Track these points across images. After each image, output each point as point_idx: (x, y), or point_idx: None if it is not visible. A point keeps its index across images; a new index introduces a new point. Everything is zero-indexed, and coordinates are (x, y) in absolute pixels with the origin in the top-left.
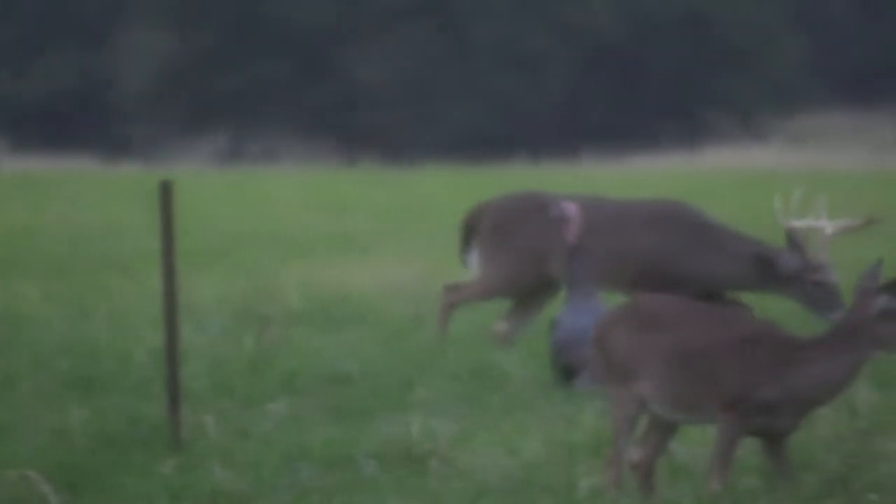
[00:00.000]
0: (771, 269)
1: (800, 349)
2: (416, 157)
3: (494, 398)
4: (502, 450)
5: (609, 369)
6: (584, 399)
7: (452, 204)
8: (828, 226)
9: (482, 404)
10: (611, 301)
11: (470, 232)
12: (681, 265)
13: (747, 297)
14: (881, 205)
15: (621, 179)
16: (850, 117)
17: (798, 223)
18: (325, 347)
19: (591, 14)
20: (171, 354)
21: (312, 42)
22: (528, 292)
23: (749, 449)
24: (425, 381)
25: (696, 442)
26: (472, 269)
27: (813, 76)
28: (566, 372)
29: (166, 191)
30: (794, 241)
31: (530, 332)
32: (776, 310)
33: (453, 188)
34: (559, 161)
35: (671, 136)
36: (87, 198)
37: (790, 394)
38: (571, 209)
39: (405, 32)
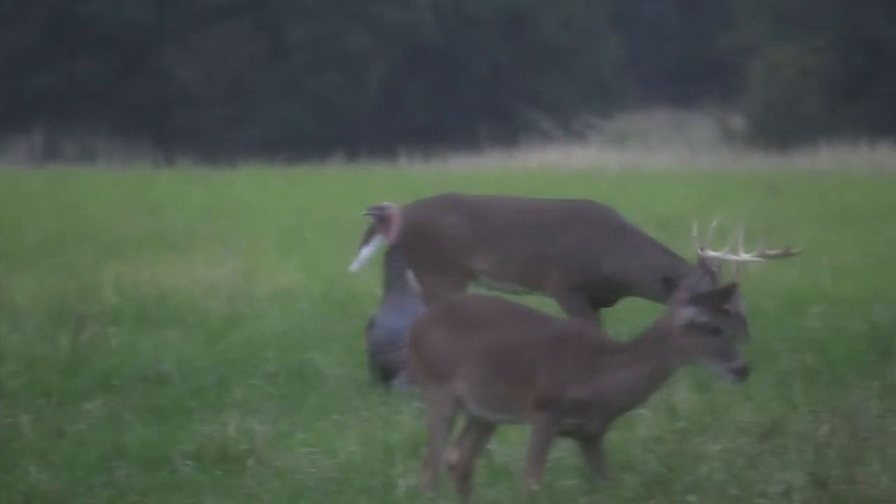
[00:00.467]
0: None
1: (607, 352)
2: (232, 157)
3: (311, 398)
4: (320, 450)
5: (425, 369)
6: (402, 399)
7: (269, 204)
8: (745, 257)
9: (299, 404)
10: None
11: (373, 233)
12: (601, 266)
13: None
14: (694, 203)
15: (439, 179)
16: (668, 116)
17: (714, 253)
18: (142, 347)
19: (409, 13)
20: None
21: (129, 41)
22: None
23: (568, 450)
24: (242, 381)
25: (515, 442)
26: (361, 263)
27: (631, 76)
28: (383, 372)
29: None
30: (707, 269)
31: (345, 332)
32: None
33: (270, 188)
34: (377, 161)
35: (490, 136)
36: None
37: (597, 396)
38: (391, 209)
39: (222, 31)
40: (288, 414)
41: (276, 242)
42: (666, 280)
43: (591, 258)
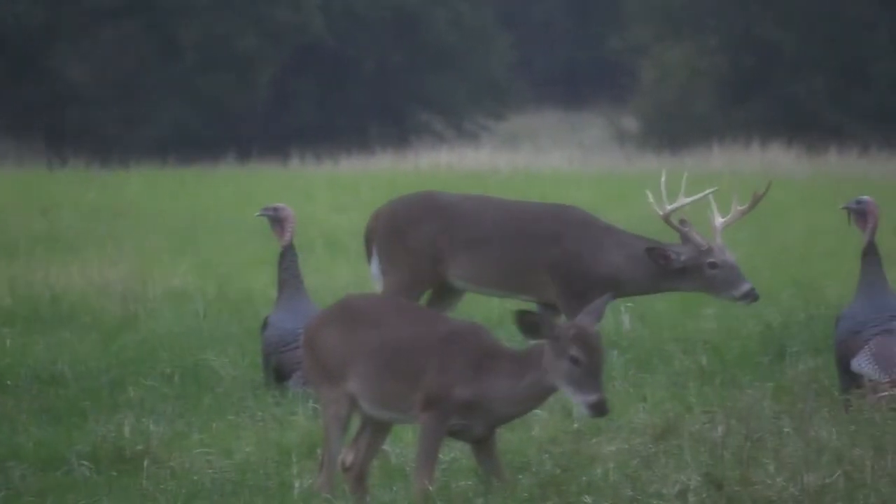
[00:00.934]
0: (666, 261)
1: (494, 357)
2: (125, 158)
3: (206, 399)
4: (215, 450)
5: (319, 369)
6: (296, 400)
7: (161, 205)
8: (691, 199)
9: (194, 405)
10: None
11: (370, 242)
12: (599, 269)
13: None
14: (588, 204)
15: (330, 180)
16: (559, 118)
17: (671, 206)
18: (36, 347)
19: (299, 13)
20: None
21: (20, 41)
22: (435, 295)
23: (464, 451)
24: (137, 382)
25: (410, 443)
26: (376, 279)
27: (523, 77)
28: (277, 373)
29: None
30: (677, 226)
31: (239, 332)
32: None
33: (162, 189)
34: (268, 162)
35: (382, 137)
36: None
37: (481, 399)
38: (285, 210)
39: (114, 32)
40: (183, 414)
41: (169, 243)
42: (649, 249)
43: (588, 262)
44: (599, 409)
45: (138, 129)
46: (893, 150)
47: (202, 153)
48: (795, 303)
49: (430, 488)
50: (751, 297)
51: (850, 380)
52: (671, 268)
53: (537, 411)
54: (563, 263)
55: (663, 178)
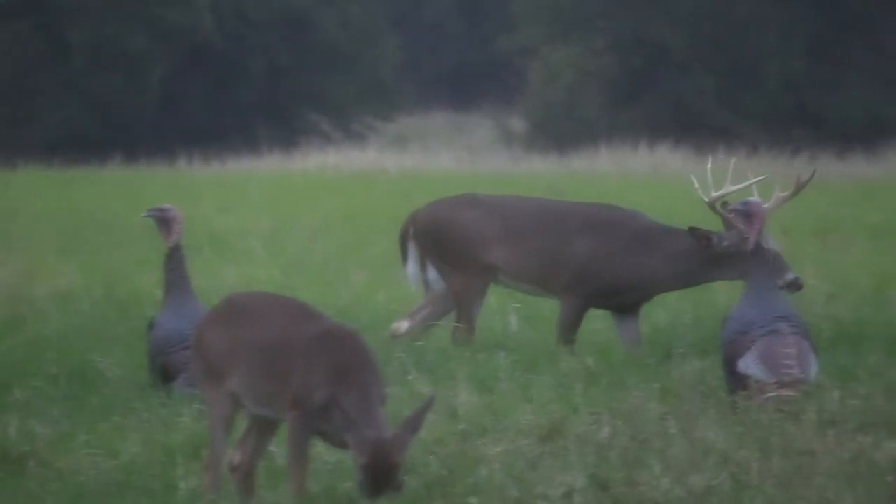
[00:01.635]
0: (708, 243)
1: (356, 364)
2: (12, 158)
3: (93, 400)
4: (101, 451)
5: (204, 368)
6: (182, 401)
7: (48, 205)
8: (737, 187)
9: (80, 406)
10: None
11: (405, 244)
12: (618, 268)
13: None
14: None
15: (218, 181)
16: (447, 119)
17: (716, 193)
18: None
19: (189, 15)
20: None
21: None
22: (442, 293)
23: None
24: (23, 383)
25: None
26: (412, 280)
27: (411, 78)
28: (163, 374)
29: None
30: (722, 213)
31: (126, 333)
32: None
33: (50, 189)
34: (156, 162)
35: (269, 138)
36: None
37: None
38: (172, 211)
39: (3, 32)
40: (69, 415)
41: (56, 244)
42: (692, 228)
43: (605, 266)
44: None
45: (26, 130)
46: (781, 150)
47: (90, 154)
48: (682, 304)
49: (304, 487)
50: (796, 285)
51: (737, 381)
52: (712, 252)
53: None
54: (584, 261)
55: (709, 165)
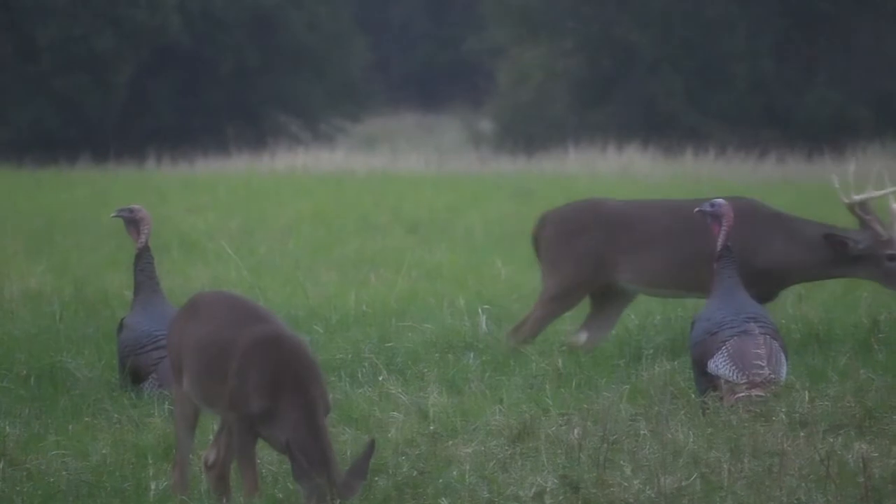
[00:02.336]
0: (843, 249)
1: (292, 376)
2: None
3: (63, 400)
4: (72, 452)
5: (171, 367)
6: (152, 402)
7: (17, 206)
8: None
9: (51, 406)
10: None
11: (538, 246)
12: (753, 260)
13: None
14: (444, 206)
15: (186, 182)
16: (416, 120)
17: (858, 197)
18: None
19: (157, 15)
20: None
21: None
22: (602, 297)
23: None
24: None
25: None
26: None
27: (379, 79)
28: (133, 375)
29: None
30: (860, 215)
31: (95, 334)
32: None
33: (19, 190)
34: (125, 163)
35: (238, 139)
36: None
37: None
38: (141, 212)
39: None
40: (39, 416)
41: (25, 244)
42: (828, 235)
43: (754, 252)
44: None
45: None
46: (750, 152)
47: (58, 154)
48: (652, 306)
49: (255, 487)
50: None
51: (707, 381)
52: (848, 255)
53: (393, 412)
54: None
55: (852, 168)
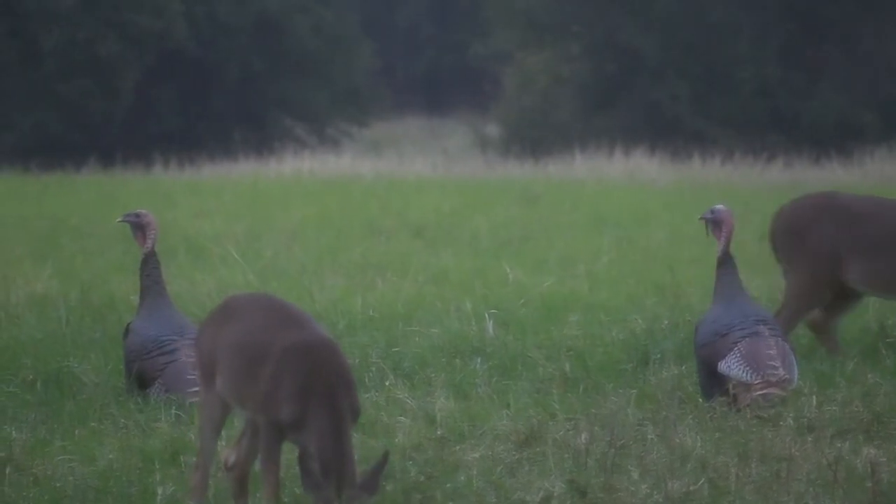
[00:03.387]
0: None
1: (323, 383)
2: None
3: (69, 405)
4: (78, 457)
5: (199, 371)
6: (160, 407)
7: (24, 210)
8: None
9: (57, 411)
10: None
11: (774, 242)
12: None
13: None
14: (450, 210)
15: (193, 187)
16: (422, 124)
17: None
18: None
19: (161, 20)
20: None
21: None
22: (836, 298)
23: None
24: None
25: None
26: None
27: (385, 83)
28: (139, 380)
29: None
30: None
31: (102, 338)
32: None
33: (25, 195)
34: (131, 168)
35: (244, 144)
36: None
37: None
38: (147, 216)
39: None
40: (45, 421)
41: (31, 249)
42: None
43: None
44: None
45: (0, 136)
46: (757, 157)
47: (64, 159)
48: (659, 310)
49: (276, 492)
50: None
51: (716, 384)
52: None
53: (401, 417)
54: None
55: None
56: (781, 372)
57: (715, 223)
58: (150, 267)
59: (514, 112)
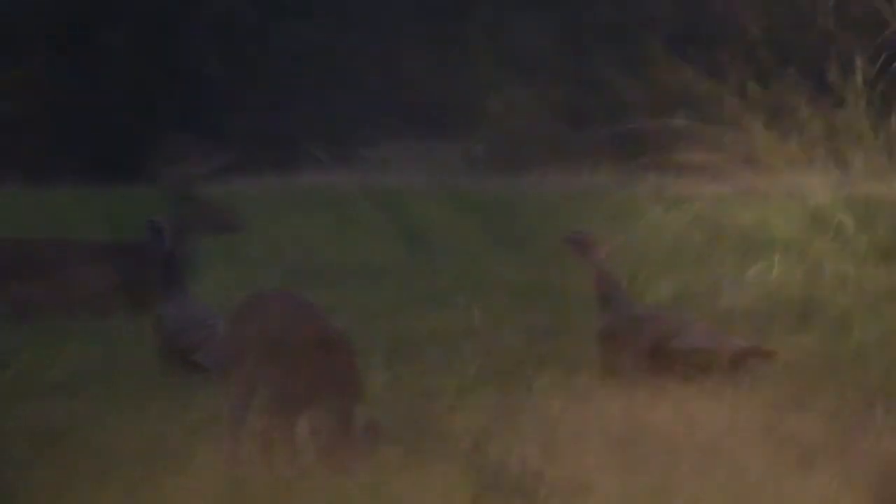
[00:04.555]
0: None
1: (331, 380)
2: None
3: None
4: (129, 427)
5: (230, 358)
6: (198, 380)
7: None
8: None
9: (113, 382)
10: None
11: None
12: None
13: None
14: (442, 222)
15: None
16: (409, 146)
17: None
18: None
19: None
20: None
21: None
22: None
23: None
24: (59, 365)
25: None
26: None
27: (386, 107)
28: (179, 355)
29: None
30: None
31: None
32: None
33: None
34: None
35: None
36: None
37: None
38: (163, 223)
39: None
40: (101, 393)
41: None
42: None
43: None
44: None
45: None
46: None
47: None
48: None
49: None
50: None
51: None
52: None
53: None
54: None
55: None
56: None
57: (579, 245)
58: (170, 266)
59: (500, 132)
